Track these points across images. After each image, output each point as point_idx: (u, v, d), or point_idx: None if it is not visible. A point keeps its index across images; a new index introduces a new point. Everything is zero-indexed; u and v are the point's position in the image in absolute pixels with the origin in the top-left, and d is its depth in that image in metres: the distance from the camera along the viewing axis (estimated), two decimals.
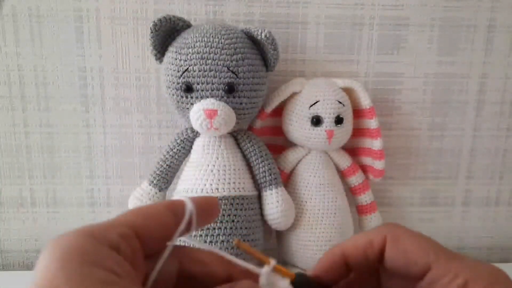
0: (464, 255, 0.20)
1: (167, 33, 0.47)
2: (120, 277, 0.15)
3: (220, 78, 0.44)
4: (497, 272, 0.19)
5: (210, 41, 0.44)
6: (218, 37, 0.45)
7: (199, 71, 0.44)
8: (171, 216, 0.20)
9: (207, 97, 0.45)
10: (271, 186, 0.49)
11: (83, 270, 0.15)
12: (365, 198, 0.55)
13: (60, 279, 0.14)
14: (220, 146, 0.48)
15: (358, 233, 0.23)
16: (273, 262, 0.21)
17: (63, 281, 0.14)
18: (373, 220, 0.56)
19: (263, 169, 0.49)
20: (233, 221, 0.46)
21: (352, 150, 0.55)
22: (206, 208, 0.22)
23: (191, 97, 0.46)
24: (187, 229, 0.20)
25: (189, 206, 0.20)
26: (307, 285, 0.22)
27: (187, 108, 0.46)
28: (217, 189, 0.47)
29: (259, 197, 0.50)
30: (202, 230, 0.46)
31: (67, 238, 0.16)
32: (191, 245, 0.23)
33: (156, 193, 0.50)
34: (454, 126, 0.59)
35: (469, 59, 0.57)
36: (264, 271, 0.21)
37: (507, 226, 0.63)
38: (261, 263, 0.21)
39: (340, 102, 0.49)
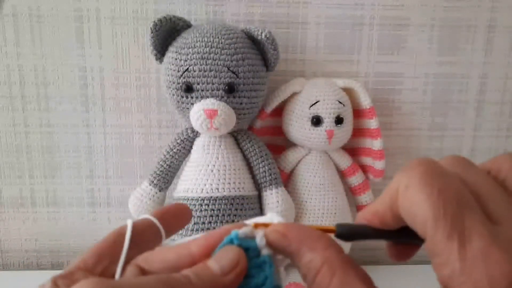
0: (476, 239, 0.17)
1: (167, 33, 0.47)
2: None
3: (220, 78, 0.44)
4: (492, 274, 0.16)
5: (210, 41, 0.45)
6: (218, 37, 0.45)
7: (199, 71, 0.44)
8: (118, 242, 0.21)
9: (207, 97, 0.45)
10: (271, 186, 0.49)
11: None
12: (365, 198, 0.55)
13: None
14: (220, 146, 0.48)
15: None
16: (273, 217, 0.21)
17: None
18: None
19: (263, 169, 0.49)
20: (233, 221, 0.46)
21: (352, 150, 0.55)
22: (169, 218, 0.23)
23: (191, 97, 0.46)
24: (154, 242, 0.22)
25: (128, 233, 0.21)
26: (351, 233, 0.21)
27: (187, 108, 0.46)
28: (217, 189, 0.47)
29: (259, 197, 0.50)
30: (203, 230, 0.46)
31: None
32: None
33: (156, 193, 0.50)
34: (454, 126, 0.59)
35: (469, 59, 0.57)
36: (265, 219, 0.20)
37: None
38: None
39: (340, 102, 0.49)
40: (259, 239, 0.19)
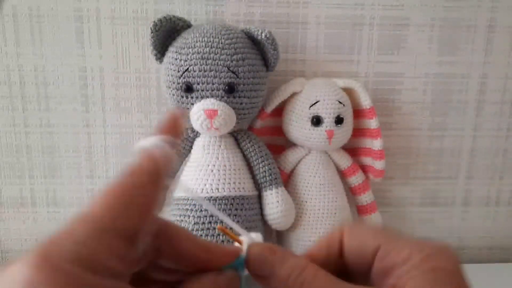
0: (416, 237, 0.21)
1: (167, 33, 0.47)
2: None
3: (220, 78, 0.44)
4: (439, 246, 0.20)
5: (210, 41, 0.44)
6: (218, 37, 0.45)
7: (199, 71, 0.44)
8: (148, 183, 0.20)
9: (207, 97, 0.45)
10: (271, 186, 0.49)
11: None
12: (365, 198, 0.55)
13: None
14: (220, 146, 0.48)
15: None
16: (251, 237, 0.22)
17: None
18: (373, 220, 0.56)
19: (263, 169, 0.49)
20: (233, 221, 0.46)
21: (352, 150, 0.55)
22: (175, 129, 0.22)
23: (191, 97, 0.46)
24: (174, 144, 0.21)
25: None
26: None
27: (187, 108, 0.46)
28: (217, 189, 0.47)
29: (259, 197, 0.50)
30: (203, 230, 0.46)
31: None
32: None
33: None
34: (454, 126, 0.59)
35: (469, 59, 0.57)
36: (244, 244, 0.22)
37: (507, 226, 0.63)
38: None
39: (340, 102, 0.49)
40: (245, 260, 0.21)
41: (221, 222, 0.46)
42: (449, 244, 0.21)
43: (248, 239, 0.22)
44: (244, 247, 0.22)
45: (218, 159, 0.48)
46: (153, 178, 0.19)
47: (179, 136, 0.23)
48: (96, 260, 0.16)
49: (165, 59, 0.47)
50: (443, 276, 0.19)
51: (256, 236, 0.23)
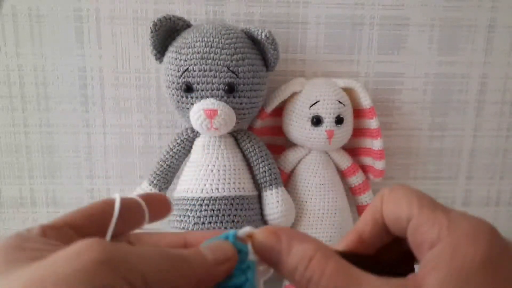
0: (456, 209, 0.20)
1: (167, 33, 0.47)
2: (49, 251, 0.16)
3: (220, 78, 0.44)
4: (472, 227, 0.18)
5: (210, 41, 0.44)
6: (218, 37, 0.45)
7: (199, 71, 0.44)
8: (106, 209, 0.21)
9: (207, 97, 0.45)
10: (271, 186, 0.49)
11: (9, 253, 0.16)
12: (365, 198, 0.55)
13: None
14: (220, 146, 0.48)
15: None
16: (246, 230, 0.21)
17: None
18: None
19: (263, 169, 0.49)
20: (233, 221, 0.46)
21: (352, 150, 0.55)
22: (153, 202, 0.23)
23: (191, 97, 0.46)
24: (138, 223, 0.22)
25: (117, 205, 0.21)
26: None
27: (187, 108, 0.46)
28: (217, 189, 0.47)
29: (259, 197, 0.50)
30: (203, 230, 0.46)
31: None
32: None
33: None
34: (454, 126, 0.59)
35: (469, 59, 0.57)
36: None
37: (507, 226, 0.63)
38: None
39: (341, 102, 0.49)
40: (251, 245, 0.20)
41: (221, 222, 0.46)
42: (484, 221, 0.19)
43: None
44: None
45: (218, 159, 0.47)
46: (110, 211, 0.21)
47: (159, 213, 0.23)
48: None
49: (165, 59, 0.47)
50: (470, 271, 0.17)
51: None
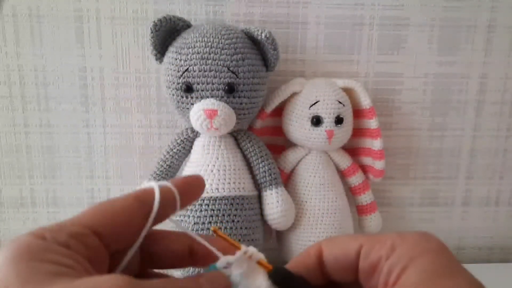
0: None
1: (167, 33, 0.47)
2: (71, 268, 0.16)
3: (220, 78, 0.44)
4: (418, 232, 0.20)
5: (210, 41, 0.44)
6: (218, 37, 0.45)
7: (199, 71, 0.44)
8: (139, 208, 0.20)
9: (207, 97, 0.45)
10: (271, 186, 0.49)
11: (31, 265, 0.16)
12: (365, 198, 0.55)
13: (11, 276, 0.15)
14: (220, 146, 0.48)
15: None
16: (247, 249, 0.21)
17: (13, 277, 0.15)
18: (373, 220, 0.56)
19: (263, 169, 0.49)
20: (233, 221, 0.46)
21: (352, 150, 0.55)
22: (187, 189, 0.22)
23: (191, 97, 0.46)
24: (167, 213, 0.21)
25: (157, 196, 0.20)
26: (285, 279, 0.21)
27: (187, 108, 0.46)
28: (217, 189, 0.47)
29: (259, 197, 0.50)
30: (203, 230, 0.46)
31: (17, 240, 0.17)
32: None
33: None
34: (454, 126, 0.59)
35: (469, 59, 0.57)
36: (236, 258, 0.21)
37: (507, 226, 0.63)
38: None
39: (340, 102, 0.49)
40: (238, 272, 0.21)
41: (221, 222, 0.46)
42: (430, 233, 0.21)
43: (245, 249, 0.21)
44: (237, 254, 0.21)
45: (218, 159, 0.48)
46: (144, 210, 0.20)
47: (191, 198, 0.23)
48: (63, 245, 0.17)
49: (165, 59, 0.47)
50: (433, 258, 0.19)
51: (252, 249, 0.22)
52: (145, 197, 0.20)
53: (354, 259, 0.21)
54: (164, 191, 0.21)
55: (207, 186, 0.47)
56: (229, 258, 0.21)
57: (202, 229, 0.46)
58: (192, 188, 0.23)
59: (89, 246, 0.18)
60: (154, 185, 0.20)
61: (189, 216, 0.47)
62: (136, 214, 0.20)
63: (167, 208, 0.21)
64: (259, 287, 0.20)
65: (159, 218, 0.20)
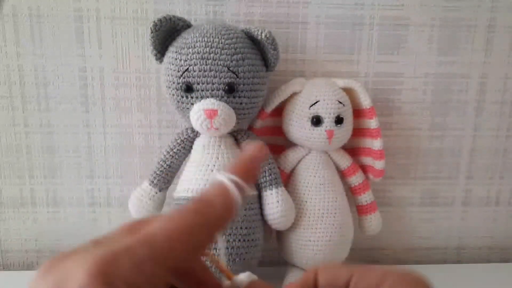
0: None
1: (167, 33, 0.47)
2: None
3: (220, 78, 0.44)
4: (409, 271, 0.21)
5: (210, 41, 0.44)
6: (218, 37, 0.45)
7: (199, 71, 0.44)
8: (210, 227, 0.19)
9: (207, 97, 0.45)
10: (271, 186, 0.49)
11: None
12: (365, 198, 0.55)
13: None
14: (220, 146, 0.48)
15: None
16: (236, 278, 0.22)
17: None
18: (373, 220, 0.56)
19: (263, 169, 0.49)
20: (233, 221, 0.46)
21: (352, 150, 0.55)
22: (252, 175, 0.22)
23: (191, 97, 0.46)
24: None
25: (237, 202, 0.19)
26: None
27: (187, 108, 0.46)
28: None
29: (259, 197, 0.50)
30: None
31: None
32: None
33: (156, 193, 0.50)
34: (454, 126, 0.59)
35: (469, 59, 0.57)
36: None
37: (507, 226, 0.63)
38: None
39: (340, 102, 0.49)
40: None
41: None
42: (415, 273, 0.21)
43: (239, 279, 0.22)
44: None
45: (218, 159, 0.48)
46: (222, 222, 0.20)
47: (251, 179, 0.22)
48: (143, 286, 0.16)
49: (165, 59, 0.47)
50: None
51: (245, 277, 0.22)
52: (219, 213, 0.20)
53: (344, 286, 0.22)
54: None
55: (207, 186, 0.47)
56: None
57: None
58: (254, 171, 0.22)
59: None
60: (231, 188, 0.19)
61: None
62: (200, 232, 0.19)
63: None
64: None
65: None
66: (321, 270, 0.23)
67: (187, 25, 0.48)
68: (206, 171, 0.47)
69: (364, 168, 0.55)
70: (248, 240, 0.47)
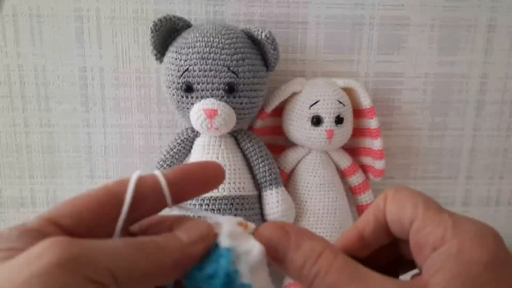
0: (460, 214, 0.20)
1: (167, 33, 0.47)
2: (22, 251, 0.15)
3: (220, 78, 0.45)
4: (476, 230, 0.18)
5: (210, 41, 0.45)
6: (218, 37, 0.45)
7: (199, 71, 0.44)
8: (108, 201, 0.18)
9: (207, 97, 0.45)
10: (271, 186, 0.49)
11: None
12: (365, 198, 0.55)
13: None
14: (220, 146, 0.48)
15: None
16: (249, 224, 0.20)
17: None
18: None
19: (263, 169, 0.49)
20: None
21: (352, 150, 0.55)
22: (185, 181, 0.20)
23: (191, 97, 0.46)
24: (153, 207, 0.19)
25: (130, 190, 0.18)
26: None
27: (188, 108, 0.46)
28: (217, 189, 0.47)
29: (259, 197, 0.50)
30: None
31: None
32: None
33: None
34: (454, 126, 0.59)
35: (469, 59, 0.57)
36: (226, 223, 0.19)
37: (507, 226, 0.63)
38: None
39: (340, 102, 0.49)
40: (223, 236, 0.19)
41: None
42: (488, 225, 0.19)
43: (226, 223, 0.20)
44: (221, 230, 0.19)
45: (218, 159, 0.48)
46: (114, 203, 0.18)
47: (205, 187, 0.21)
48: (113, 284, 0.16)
49: (165, 59, 0.47)
50: (476, 271, 0.17)
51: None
52: (117, 189, 0.19)
53: (406, 228, 0.20)
54: (144, 182, 0.19)
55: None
56: (219, 218, 0.20)
57: None
58: (192, 181, 0.21)
59: (45, 236, 0.16)
60: (134, 175, 0.18)
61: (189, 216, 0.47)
62: (105, 207, 0.18)
63: (148, 202, 0.19)
64: (251, 249, 0.19)
65: (141, 213, 0.19)
66: (390, 199, 0.21)
67: (187, 25, 0.48)
68: None
69: (364, 168, 0.55)
70: None
